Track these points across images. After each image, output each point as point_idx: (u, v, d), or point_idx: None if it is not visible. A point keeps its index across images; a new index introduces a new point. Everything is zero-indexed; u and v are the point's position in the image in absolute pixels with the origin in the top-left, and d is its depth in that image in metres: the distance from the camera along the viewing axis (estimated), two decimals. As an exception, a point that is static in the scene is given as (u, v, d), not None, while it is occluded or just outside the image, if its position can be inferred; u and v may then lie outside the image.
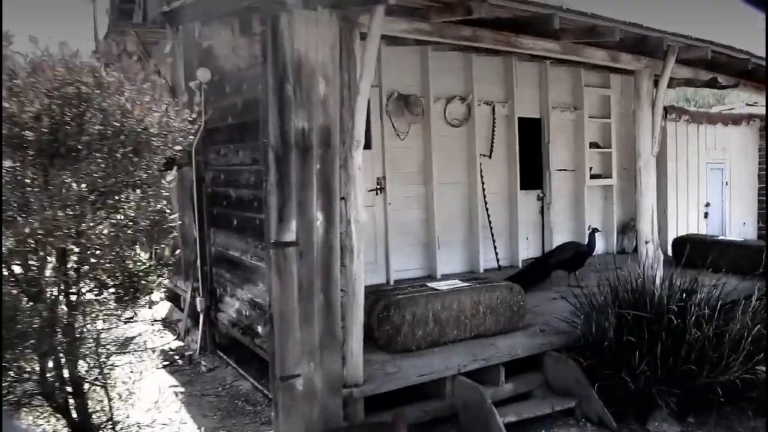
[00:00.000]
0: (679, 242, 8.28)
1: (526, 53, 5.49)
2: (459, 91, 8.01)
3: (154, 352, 6.86)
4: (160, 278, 3.76)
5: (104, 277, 3.69)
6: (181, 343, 7.19)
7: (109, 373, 4.28)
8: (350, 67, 4.12)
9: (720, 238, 8.83)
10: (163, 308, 8.54)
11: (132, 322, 3.93)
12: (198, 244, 6.71)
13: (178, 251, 5.46)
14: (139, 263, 3.67)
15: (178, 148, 3.56)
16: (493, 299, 5.20)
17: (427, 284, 5.36)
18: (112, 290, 3.62)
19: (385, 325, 4.83)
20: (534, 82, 8.65)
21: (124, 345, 7.11)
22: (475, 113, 8.03)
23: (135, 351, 6.34)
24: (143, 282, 3.64)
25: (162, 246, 3.91)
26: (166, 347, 7.09)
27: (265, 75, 3.85)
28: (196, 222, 6.68)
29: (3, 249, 3.28)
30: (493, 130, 8.30)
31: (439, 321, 4.97)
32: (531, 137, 8.63)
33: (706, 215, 10.41)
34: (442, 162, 7.83)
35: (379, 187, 7.52)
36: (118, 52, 3.94)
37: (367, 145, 7.50)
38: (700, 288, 5.11)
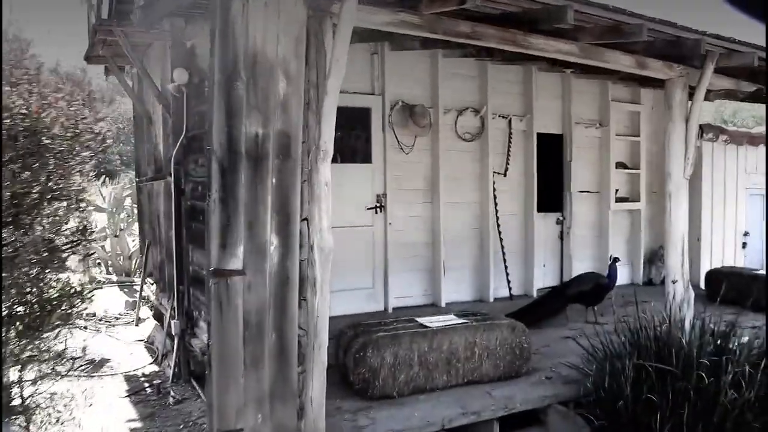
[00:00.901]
0: (713, 275, 7.44)
1: (540, 56, 4.78)
2: (472, 102, 7.33)
3: (129, 378, 6.29)
4: (74, 308, 3.16)
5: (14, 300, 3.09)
6: (156, 368, 6.59)
7: (35, 409, 3.69)
8: (319, 64, 3.48)
9: (760, 271, 7.91)
10: (148, 327, 8.00)
11: (33, 361, 3.29)
12: (175, 262, 6.12)
13: (102, 281, 4.85)
14: (52, 289, 3.08)
15: (87, 153, 2.98)
16: (492, 340, 4.48)
17: (416, 319, 4.65)
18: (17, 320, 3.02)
19: (361, 367, 4.14)
20: (556, 95, 7.93)
21: (96, 367, 6.60)
22: (489, 127, 7.34)
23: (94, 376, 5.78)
24: (56, 311, 3.04)
25: (84, 269, 3.30)
26: (139, 372, 6.50)
27: (212, 70, 3.23)
28: (174, 238, 6.10)
29: None
30: (509, 146, 7.59)
31: (425, 364, 4.27)
32: (551, 155, 7.89)
33: (744, 245, 9.47)
34: (451, 179, 7.16)
35: (378, 205, 6.86)
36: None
37: (367, 159, 6.90)
38: (738, 334, 4.33)
